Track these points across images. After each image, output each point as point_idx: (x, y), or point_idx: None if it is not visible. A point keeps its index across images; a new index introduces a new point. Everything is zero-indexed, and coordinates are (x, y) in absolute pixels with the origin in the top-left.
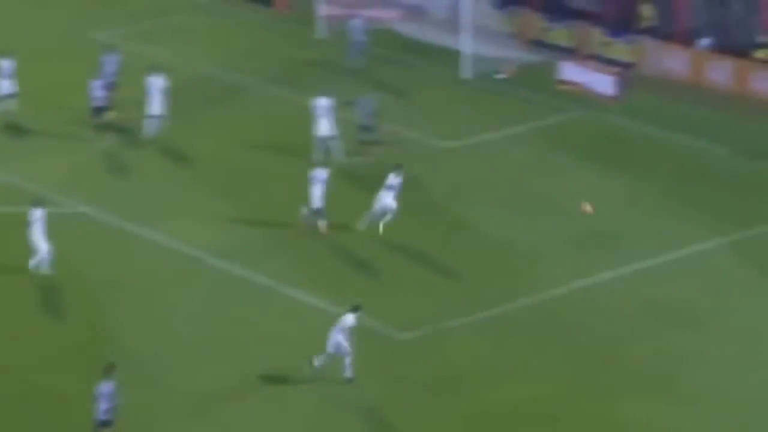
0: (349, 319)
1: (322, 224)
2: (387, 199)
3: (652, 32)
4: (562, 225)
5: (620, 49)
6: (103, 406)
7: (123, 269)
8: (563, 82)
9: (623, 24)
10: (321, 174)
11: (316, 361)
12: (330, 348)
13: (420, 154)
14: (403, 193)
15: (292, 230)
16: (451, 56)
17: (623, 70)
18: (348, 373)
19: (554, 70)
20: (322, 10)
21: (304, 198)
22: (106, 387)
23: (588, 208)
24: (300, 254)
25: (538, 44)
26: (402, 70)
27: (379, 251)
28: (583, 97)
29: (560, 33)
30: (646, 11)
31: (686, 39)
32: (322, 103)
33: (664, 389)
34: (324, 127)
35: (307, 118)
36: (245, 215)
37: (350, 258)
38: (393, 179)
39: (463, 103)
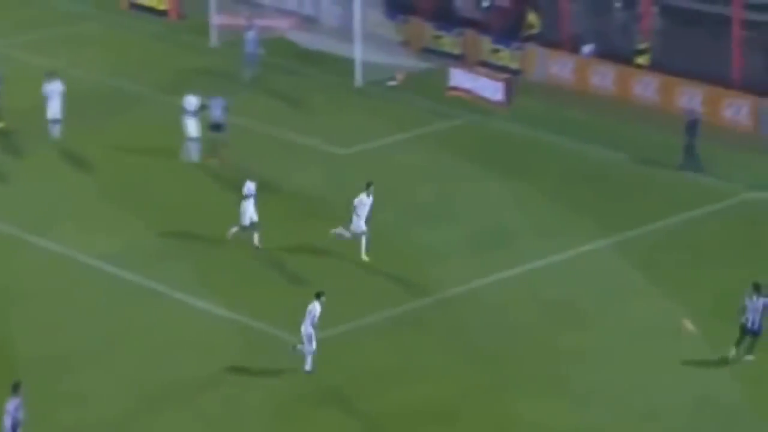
0: (316, 307)
1: (256, 237)
2: (359, 223)
3: (538, 39)
4: (455, 227)
5: (507, 56)
6: (7, 422)
7: (13, 277)
8: (453, 88)
9: (510, 32)
10: (251, 188)
11: (297, 347)
12: (305, 340)
13: (315, 161)
14: (301, 200)
15: (185, 236)
16: (344, 64)
17: (511, 76)
18: (309, 366)
19: (444, 77)
20: (216, 20)
21: (198, 203)
22: (12, 404)
23: (689, 326)
24: (194, 260)
25: (429, 52)
26: (296, 78)
27: (277, 256)
28: (472, 103)
29: (450, 41)
30: (532, 19)
31: (571, 46)
32: (192, 102)
33: (556, 388)
34: (192, 127)
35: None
36: (138, 222)
37: (248, 263)
38: (364, 200)
39: (356, 111)
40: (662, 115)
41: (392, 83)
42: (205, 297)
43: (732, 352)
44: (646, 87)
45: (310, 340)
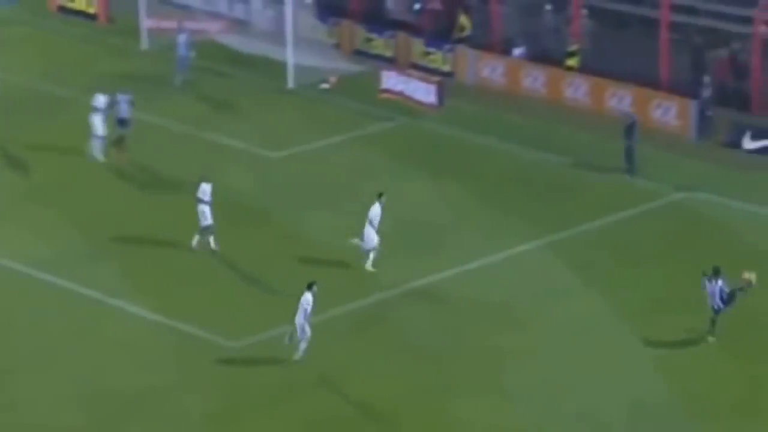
0: (307, 297)
1: (212, 239)
2: (372, 236)
3: (470, 42)
4: (390, 229)
5: (439, 58)
6: None
7: None
8: (385, 91)
9: (442, 34)
10: (206, 190)
11: (287, 339)
12: (298, 330)
13: (246, 164)
14: (233, 203)
15: (116, 239)
16: (276, 68)
17: (443, 79)
18: (299, 355)
19: (376, 80)
20: (146, 23)
21: (129, 207)
22: None
23: (748, 276)
24: (125, 264)
25: (361, 54)
26: (227, 82)
27: (212, 261)
28: (404, 105)
29: (381, 43)
30: (464, 22)
31: (502, 48)
32: (100, 100)
33: (493, 388)
34: (99, 126)
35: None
36: (68, 225)
37: (180, 268)
38: (377, 211)
39: (288, 114)
40: (593, 116)
41: (325, 86)
42: (137, 301)
43: (710, 339)
44: (575, 89)
45: (303, 331)
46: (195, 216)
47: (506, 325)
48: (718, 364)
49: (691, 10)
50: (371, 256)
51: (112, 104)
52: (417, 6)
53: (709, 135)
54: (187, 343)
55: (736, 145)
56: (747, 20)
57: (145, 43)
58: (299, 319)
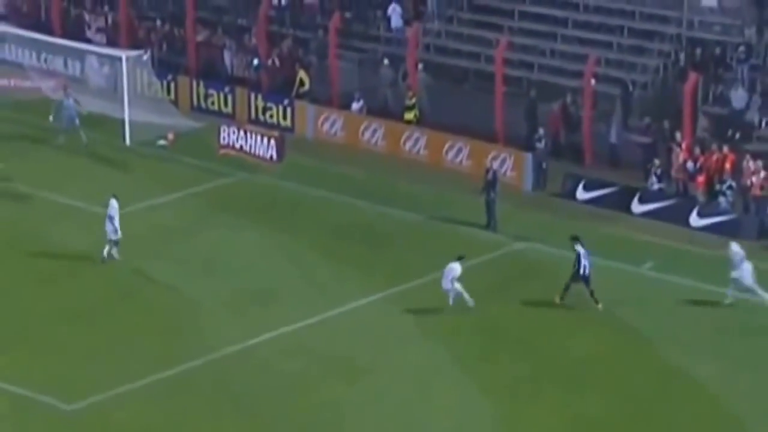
0: (456, 267)
1: (115, 250)
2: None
3: (309, 97)
4: (223, 285)
5: (279, 113)
6: None
7: None
8: (224, 146)
9: (281, 90)
10: (114, 205)
11: (451, 302)
12: (451, 294)
13: (82, 223)
14: (60, 259)
15: None
16: (112, 125)
17: (282, 133)
18: (469, 303)
19: (215, 136)
20: None
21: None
22: None
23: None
24: None
25: (199, 111)
26: (63, 139)
27: (39, 317)
28: (244, 161)
29: (220, 99)
30: (303, 77)
31: (341, 103)
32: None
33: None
34: None
35: None
36: None
37: (6, 326)
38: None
39: (125, 171)
40: (432, 169)
41: (162, 143)
42: None
43: (557, 299)
44: (414, 142)
45: (451, 292)
46: (18, 276)
47: (344, 376)
48: (557, 412)
49: (524, 65)
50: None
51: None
52: (255, 62)
53: (544, 186)
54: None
55: (570, 195)
56: (578, 74)
57: None
58: (445, 284)
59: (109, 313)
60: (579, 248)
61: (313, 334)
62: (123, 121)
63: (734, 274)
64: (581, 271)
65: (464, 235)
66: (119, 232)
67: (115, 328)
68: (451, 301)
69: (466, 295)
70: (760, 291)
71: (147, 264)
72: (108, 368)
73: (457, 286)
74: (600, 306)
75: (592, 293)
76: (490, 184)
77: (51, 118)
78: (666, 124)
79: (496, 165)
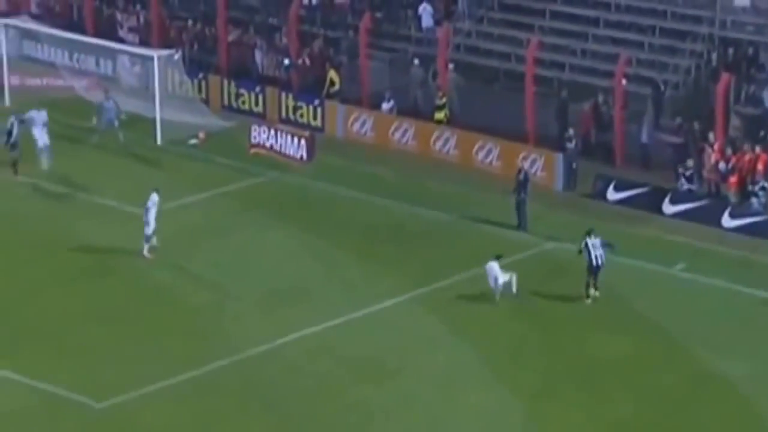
0: (494, 266)
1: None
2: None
3: (339, 97)
4: (252, 284)
5: (309, 113)
6: None
7: None
8: (255, 146)
9: (311, 89)
10: (154, 199)
11: (497, 295)
12: (496, 286)
13: (117, 221)
14: (95, 256)
15: None
16: (144, 124)
17: (312, 133)
18: (515, 291)
19: (246, 135)
20: (10, 80)
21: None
22: None
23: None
24: None
25: (230, 110)
26: (97, 139)
27: (70, 315)
28: (274, 160)
29: (251, 98)
30: (333, 77)
31: (371, 103)
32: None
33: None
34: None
35: None
36: None
37: (28, 324)
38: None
39: (157, 170)
40: (462, 169)
41: (194, 142)
42: None
43: (593, 292)
44: (444, 142)
45: (498, 285)
46: (51, 273)
47: (372, 378)
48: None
49: (555, 65)
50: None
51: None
52: (287, 62)
53: (575, 187)
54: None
55: (600, 196)
56: (609, 74)
57: (7, 100)
58: (491, 282)
59: (138, 312)
60: (588, 239)
61: (341, 334)
62: (154, 121)
63: None
64: (594, 262)
65: (495, 236)
66: (151, 226)
67: (144, 328)
68: (497, 296)
69: (514, 286)
70: None
71: (177, 263)
72: (137, 367)
73: (501, 280)
74: (588, 301)
75: (588, 285)
76: (522, 184)
77: (94, 120)
78: (698, 124)
79: (527, 165)
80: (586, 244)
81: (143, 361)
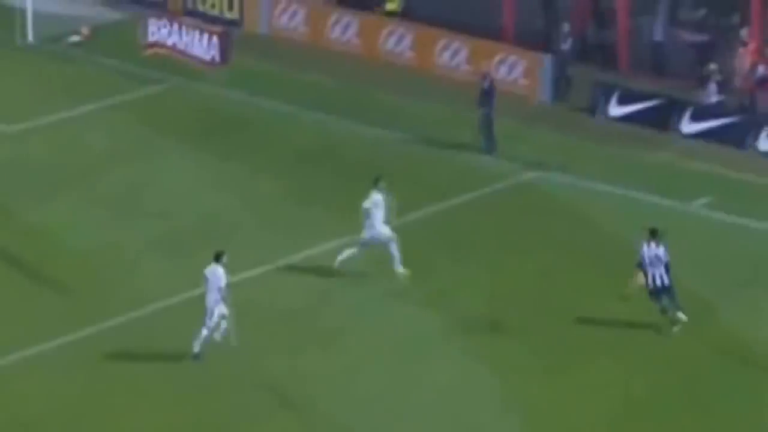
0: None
1: None
2: (380, 229)
3: None
4: (152, 225)
5: (222, 1)
6: None
7: None
8: (153, 45)
9: None
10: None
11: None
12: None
13: None
14: None
15: None
16: (10, 16)
17: (227, 28)
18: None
19: (141, 31)
20: None
21: None
22: None
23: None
24: None
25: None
26: None
27: None
28: (178, 63)
29: None
30: None
31: None
32: None
33: (296, 416)
34: None
35: None
36: None
37: None
38: (377, 199)
39: (26, 75)
40: (421, 76)
41: (75, 39)
42: None
43: (680, 318)
44: (397, 40)
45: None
46: None
47: (315, 341)
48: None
49: None
50: (395, 253)
51: None
52: None
53: (567, 98)
54: None
55: (600, 110)
56: None
57: None
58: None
59: (11, 262)
60: (647, 247)
61: (267, 285)
62: (24, 12)
63: None
64: (653, 283)
65: (459, 162)
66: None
67: (19, 281)
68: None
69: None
70: None
71: (54, 200)
72: (11, 328)
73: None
74: (675, 329)
75: (664, 311)
76: (487, 94)
77: None
78: (729, 17)
79: (496, 70)
80: (642, 257)
81: (21, 319)
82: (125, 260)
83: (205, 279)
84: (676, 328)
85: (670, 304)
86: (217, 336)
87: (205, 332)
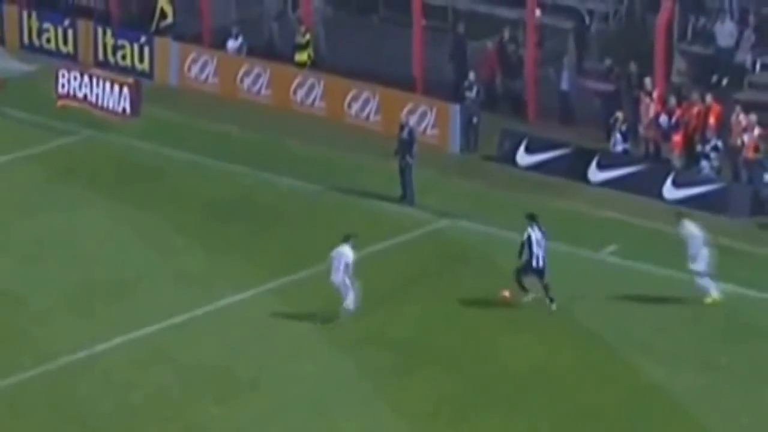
0: (345, 252)
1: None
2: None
3: (173, 32)
4: (61, 277)
5: (133, 53)
6: None
7: None
8: (64, 96)
9: (137, 23)
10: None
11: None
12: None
13: None
14: None
15: None
16: None
17: (138, 80)
18: (349, 306)
19: (52, 83)
20: None
21: None
22: None
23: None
24: None
25: (32, 50)
26: None
27: None
28: (88, 115)
29: (58, 35)
30: (164, 6)
31: (214, 40)
32: None
33: None
34: None
35: None
36: None
37: None
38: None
39: None
40: (332, 126)
41: None
42: None
43: (529, 296)
44: (307, 91)
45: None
46: None
47: (220, 393)
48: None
49: None
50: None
51: None
52: None
53: (475, 147)
54: None
55: (508, 159)
56: (519, 3)
57: None
58: (337, 276)
59: None
60: (531, 232)
61: (177, 338)
62: None
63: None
64: (534, 263)
65: (372, 211)
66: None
67: None
68: (344, 299)
69: (351, 296)
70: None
71: None
72: None
73: (347, 280)
74: (554, 306)
75: (546, 289)
76: (406, 144)
77: None
78: (633, 67)
79: (413, 121)
80: (529, 238)
81: None
82: (30, 312)
83: (331, 259)
84: (553, 306)
85: (544, 287)
86: (350, 304)
87: (351, 294)
